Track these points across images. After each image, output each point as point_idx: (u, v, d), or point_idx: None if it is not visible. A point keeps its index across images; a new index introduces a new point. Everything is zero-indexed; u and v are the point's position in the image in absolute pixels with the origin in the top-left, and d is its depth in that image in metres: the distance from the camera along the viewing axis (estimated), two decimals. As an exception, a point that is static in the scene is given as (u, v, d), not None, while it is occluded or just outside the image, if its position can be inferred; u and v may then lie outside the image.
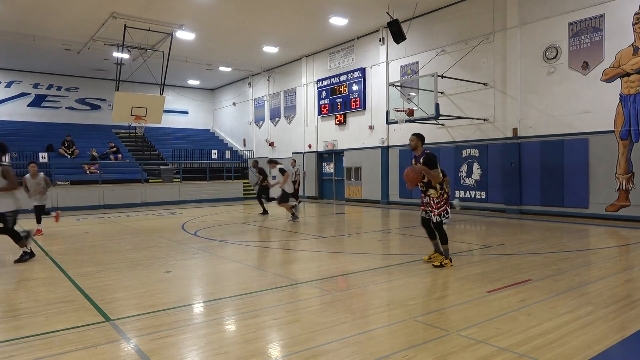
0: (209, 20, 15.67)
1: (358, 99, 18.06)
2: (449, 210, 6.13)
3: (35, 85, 23.25)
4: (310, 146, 20.64)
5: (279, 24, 16.11)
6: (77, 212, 16.23)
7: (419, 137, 6.18)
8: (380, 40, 16.88)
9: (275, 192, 12.68)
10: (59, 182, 17.37)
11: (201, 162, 22.55)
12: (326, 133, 19.83)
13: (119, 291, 5.30)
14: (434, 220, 6.09)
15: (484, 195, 13.75)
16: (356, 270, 6.14)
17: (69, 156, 19.53)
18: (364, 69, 17.74)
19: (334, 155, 19.78)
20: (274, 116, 23.26)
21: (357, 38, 17.89)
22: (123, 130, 23.72)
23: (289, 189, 12.07)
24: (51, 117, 23.54)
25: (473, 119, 13.73)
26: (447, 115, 13.36)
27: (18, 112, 22.73)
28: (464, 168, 14.22)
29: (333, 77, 19.20)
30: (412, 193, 15.03)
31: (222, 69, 22.57)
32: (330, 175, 20.08)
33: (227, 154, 24.08)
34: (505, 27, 13.02)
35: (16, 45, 17.84)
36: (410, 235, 9.35)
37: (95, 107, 25.04)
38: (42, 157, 18.21)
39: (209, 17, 15.26)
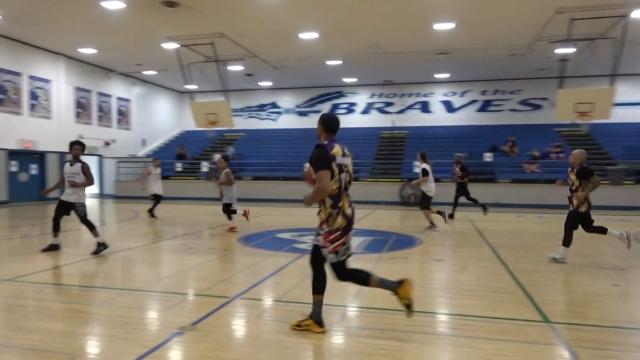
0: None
1: None
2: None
3: (483, 92, 25.77)
4: None
5: None
6: (517, 209, 16.85)
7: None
8: None
9: None
10: (501, 180, 18.61)
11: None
12: None
13: (558, 294, 5.14)
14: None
15: None
16: None
17: (511, 155, 20.57)
18: None
19: None
20: None
21: None
22: (565, 129, 22.78)
23: None
24: (495, 119, 25.47)
25: None
26: None
27: (468, 117, 25.88)
28: None
29: None
30: None
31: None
32: None
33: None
34: None
35: (468, 59, 20.29)
36: None
37: (536, 107, 25.25)
38: (486, 157, 19.99)
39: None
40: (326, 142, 3.83)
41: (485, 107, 25.89)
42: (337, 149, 3.77)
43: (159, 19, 14.81)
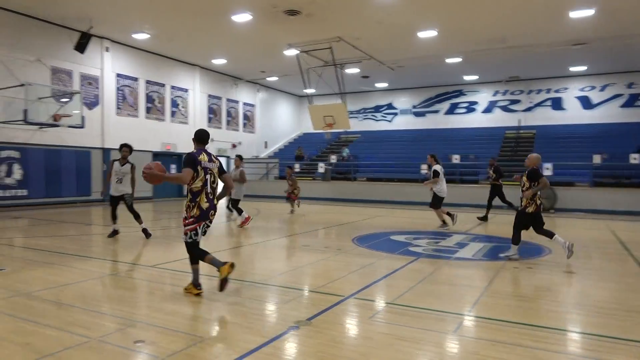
0: None
1: None
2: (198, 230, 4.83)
3: (629, 85, 22.66)
4: None
5: None
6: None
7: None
8: None
9: None
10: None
11: None
12: None
13: None
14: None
15: None
16: None
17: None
18: None
19: None
20: None
21: None
22: None
23: None
24: (644, 116, 22.27)
25: None
26: None
27: (610, 113, 22.94)
28: None
29: None
30: None
31: None
32: None
33: None
34: None
35: (609, 48, 18.01)
36: None
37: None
38: (632, 159, 17.55)
39: None
40: (195, 150, 4.97)
41: (632, 102, 22.75)
42: (202, 156, 4.89)
43: (282, 27, 15.61)
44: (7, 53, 14.38)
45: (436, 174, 10.52)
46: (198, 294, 4.86)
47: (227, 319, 4.28)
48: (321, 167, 21.98)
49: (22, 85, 13.86)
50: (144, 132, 19.21)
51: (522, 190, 7.06)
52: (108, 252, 7.56)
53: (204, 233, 4.92)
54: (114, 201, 8.61)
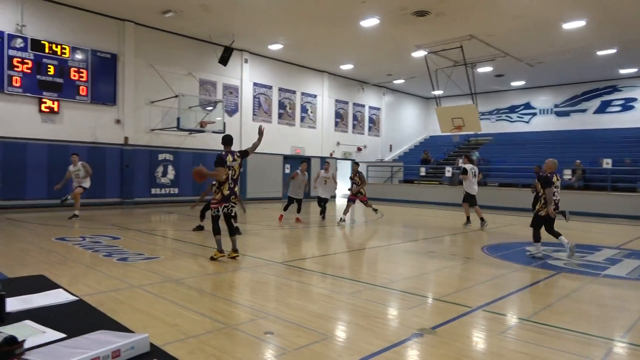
0: None
1: None
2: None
3: None
4: None
5: None
6: None
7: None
8: None
9: None
10: None
11: None
12: None
13: None
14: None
15: None
16: None
17: None
18: None
19: None
20: None
21: None
22: None
23: None
24: None
25: None
26: None
27: None
28: None
29: None
30: None
31: None
32: None
33: None
34: None
35: None
36: None
37: None
38: None
39: None
40: (224, 152, 6.75)
41: None
42: (228, 157, 6.70)
43: (410, 29, 15.41)
44: (164, 68, 16.50)
45: (464, 171, 11.58)
46: (221, 257, 6.65)
47: (350, 319, 4.32)
48: (448, 171, 21.16)
49: (176, 96, 15.80)
50: (276, 136, 20.47)
51: (537, 194, 7.68)
52: (243, 248, 8.19)
53: (230, 211, 6.74)
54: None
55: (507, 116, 27.01)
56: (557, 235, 7.59)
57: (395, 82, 24.73)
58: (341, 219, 11.95)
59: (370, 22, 14.81)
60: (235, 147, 6.97)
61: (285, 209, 12.48)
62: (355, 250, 8.31)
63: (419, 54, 17.89)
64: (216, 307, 4.47)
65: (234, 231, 6.87)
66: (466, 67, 16.91)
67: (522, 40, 16.53)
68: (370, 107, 25.81)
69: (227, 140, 6.91)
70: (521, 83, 24.82)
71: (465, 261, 7.39)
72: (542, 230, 7.65)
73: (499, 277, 6.19)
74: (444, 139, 25.36)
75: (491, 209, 17.53)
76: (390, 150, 27.51)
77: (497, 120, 27.25)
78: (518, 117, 26.56)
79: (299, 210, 12.29)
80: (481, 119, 20.21)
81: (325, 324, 4.14)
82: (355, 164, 12.51)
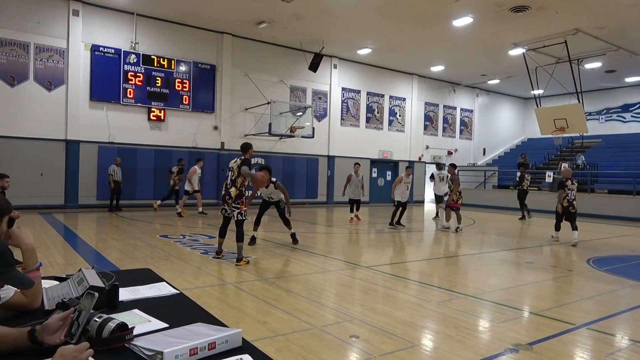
0: None
1: None
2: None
3: None
4: None
5: None
6: None
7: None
8: None
9: None
10: None
11: None
12: None
13: None
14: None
15: None
16: None
17: None
18: None
19: None
20: None
21: None
22: None
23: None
24: None
25: None
26: None
27: None
28: None
29: None
30: None
31: None
32: None
33: None
34: None
35: None
36: None
37: None
38: None
39: None
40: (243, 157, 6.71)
41: None
42: (235, 160, 6.71)
43: (506, 26, 14.60)
44: (258, 76, 17.28)
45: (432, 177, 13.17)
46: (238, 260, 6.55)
47: (439, 328, 4.18)
48: (549, 177, 19.63)
49: (268, 103, 16.47)
50: (364, 140, 20.47)
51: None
52: (329, 250, 8.29)
53: (229, 215, 6.56)
54: (266, 206, 8.98)
55: (618, 116, 24.45)
56: (574, 227, 8.79)
57: (490, 82, 23.53)
58: (457, 228, 11.25)
59: (463, 21, 14.26)
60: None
61: (351, 210, 13.05)
62: (444, 258, 8.03)
63: (517, 51, 16.86)
64: (303, 308, 4.57)
65: (240, 237, 6.53)
66: (571, 63, 15.60)
67: (637, 32, 14.90)
68: (462, 109, 24.82)
69: (246, 148, 6.84)
70: (637, 79, 22.35)
71: (568, 274, 6.81)
72: None
73: (607, 293, 5.61)
74: (544, 141, 23.60)
75: (598, 218, 16.00)
76: (484, 153, 26.21)
77: (606, 120, 24.78)
78: (632, 116, 23.91)
79: (357, 209, 13.03)
80: (587, 120, 18.50)
81: (412, 331, 4.05)
82: (451, 167, 12.23)
